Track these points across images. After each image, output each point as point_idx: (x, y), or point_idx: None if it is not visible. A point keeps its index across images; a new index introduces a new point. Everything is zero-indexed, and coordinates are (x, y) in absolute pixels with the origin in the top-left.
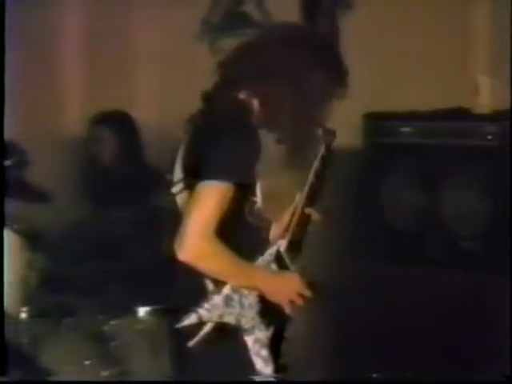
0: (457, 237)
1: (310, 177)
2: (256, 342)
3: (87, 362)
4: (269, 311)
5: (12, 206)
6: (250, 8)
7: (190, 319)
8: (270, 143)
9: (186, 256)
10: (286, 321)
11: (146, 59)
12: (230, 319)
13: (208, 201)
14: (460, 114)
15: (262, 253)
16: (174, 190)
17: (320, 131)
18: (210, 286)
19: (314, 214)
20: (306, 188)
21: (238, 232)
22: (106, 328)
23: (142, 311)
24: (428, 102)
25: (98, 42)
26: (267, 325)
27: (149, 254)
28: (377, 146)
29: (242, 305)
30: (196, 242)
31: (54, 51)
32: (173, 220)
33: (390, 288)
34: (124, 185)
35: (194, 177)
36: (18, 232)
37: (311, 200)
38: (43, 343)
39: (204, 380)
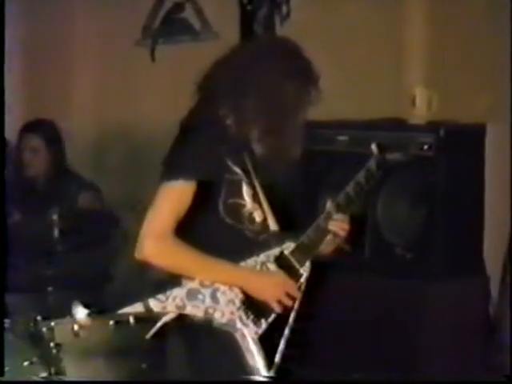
0: (391, 244)
1: (350, 187)
2: (244, 338)
3: (26, 363)
4: (255, 308)
5: None
6: (189, 15)
7: (135, 307)
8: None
9: (142, 255)
10: (279, 318)
11: (84, 64)
12: (195, 312)
13: (164, 201)
14: (396, 124)
15: (251, 253)
16: None
17: (373, 146)
18: (168, 278)
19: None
20: (342, 196)
21: (214, 231)
22: (44, 329)
23: (80, 313)
24: (365, 112)
25: (39, 48)
26: (254, 321)
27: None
28: (313, 153)
29: (215, 299)
30: (151, 241)
31: None
32: None
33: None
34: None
35: None
36: None
37: (342, 209)
38: None
39: (203, 380)
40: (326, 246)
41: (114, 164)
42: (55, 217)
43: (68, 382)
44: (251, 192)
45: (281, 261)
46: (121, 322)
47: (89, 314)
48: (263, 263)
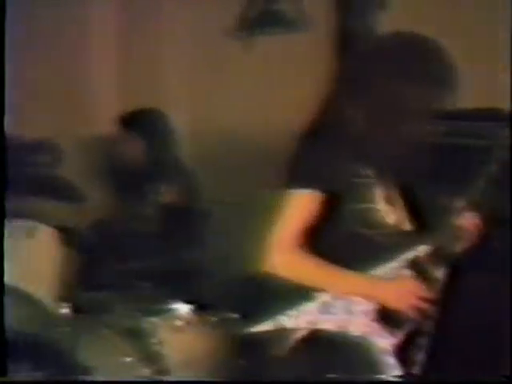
0: None
1: (481, 181)
2: (380, 350)
3: (128, 359)
4: (391, 318)
5: (45, 203)
6: (285, 6)
7: (266, 325)
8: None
9: (270, 267)
10: (417, 327)
11: (177, 57)
12: (328, 325)
13: (291, 211)
14: (494, 115)
15: (383, 260)
16: None
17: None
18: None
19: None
20: (474, 191)
21: (342, 239)
22: (144, 325)
23: (182, 308)
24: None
25: (129, 40)
26: (390, 332)
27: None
28: None
29: (348, 312)
30: (280, 253)
31: (84, 50)
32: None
33: None
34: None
35: None
36: (55, 228)
37: (477, 206)
38: (82, 340)
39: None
40: (460, 246)
41: (205, 157)
42: (152, 210)
43: (68, 382)
44: (384, 194)
45: (415, 265)
46: (221, 316)
47: (189, 309)
48: (396, 269)
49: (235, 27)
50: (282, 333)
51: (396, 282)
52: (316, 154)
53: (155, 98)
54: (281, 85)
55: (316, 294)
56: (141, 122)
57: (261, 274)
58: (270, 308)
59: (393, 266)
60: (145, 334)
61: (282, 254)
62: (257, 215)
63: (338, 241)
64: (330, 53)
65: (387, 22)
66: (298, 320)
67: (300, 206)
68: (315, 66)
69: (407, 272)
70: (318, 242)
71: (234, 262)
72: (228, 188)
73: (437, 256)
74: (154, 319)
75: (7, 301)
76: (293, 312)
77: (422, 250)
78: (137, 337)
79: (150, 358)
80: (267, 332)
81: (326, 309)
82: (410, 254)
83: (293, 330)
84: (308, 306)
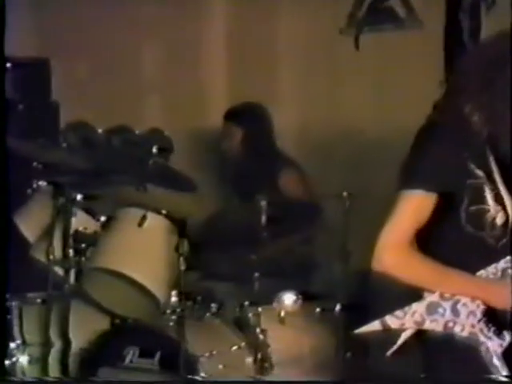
0: None
1: None
2: (487, 351)
3: (234, 348)
4: (498, 319)
5: (156, 192)
6: (394, 3)
7: (373, 326)
8: None
9: (380, 267)
10: None
11: (289, 54)
12: (434, 326)
13: (404, 211)
14: None
15: (491, 261)
16: None
17: None
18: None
19: None
20: None
21: (453, 240)
22: (250, 315)
23: (287, 299)
24: None
25: (242, 39)
26: (497, 333)
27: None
28: None
29: (455, 312)
30: (391, 253)
31: (196, 46)
32: None
33: None
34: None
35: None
36: (166, 217)
37: None
38: (190, 327)
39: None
40: None
41: (317, 154)
42: (263, 203)
43: (68, 382)
44: (494, 194)
45: None
46: (327, 310)
47: (295, 301)
48: (504, 270)
49: (345, 26)
50: (389, 333)
51: (503, 283)
52: (432, 154)
53: (266, 95)
54: (392, 82)
55: (424, 295)
56: (240, 115)
57: (371, 272)
58: (378, 307)
59: (501, 267)
60: (251, 323)
61: (393, 254)
62: (369, 212)
63: (450, 241)
64: (440, 51)
65: (494, 22)
66: (404, 320)
67: (413, 206)
68: (426, 64)
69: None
70: (429, 243)
71: (343, 258)
72: (340, 184)
73: None
74: (260, 309)
75: (117, 287)
76: (400, 312)
77: None
78: (243, 326)
79: (255, 347)
80: (374, 332)
81: (433, 309)
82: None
83: (400, 331)
84: (415, 307)
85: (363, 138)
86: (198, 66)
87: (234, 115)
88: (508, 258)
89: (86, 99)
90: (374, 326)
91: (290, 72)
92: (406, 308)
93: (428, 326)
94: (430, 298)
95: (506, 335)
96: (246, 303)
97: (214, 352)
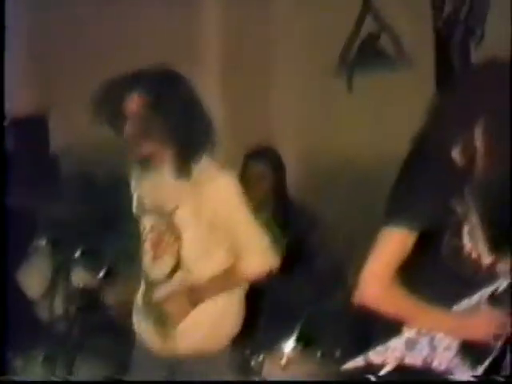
0: None
1: None
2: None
3: None
4: (472, 351)
5: None
6: (384, 44)
7: (356, 362)
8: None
9: (361, 300)
10: (498, 358)
11: (285, 92)
12: (413, 361)
13: (386, 246)
14: None
15: (465, 295)
16: None
17: None
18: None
19: None
20: None
21: (430, 275)
22: (252, 363)
23: (288, 346)
24: None
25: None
26: (472, 365)
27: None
28: None
29: (432, 347)
30: (373, 287)
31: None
32: None
33: None
34: None
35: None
36: None
37: None
38: None
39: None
40: None
41: (316, 188)
42: None
43: (68, 382)
44: (469, 229)
45: (494, 299)
46: (327, 355)
47: (295, 347)
48: (476, 304)
49: (338, 66)
50: (370, 369)
51: (477, 317)
52: (418, 191)
53: (267, 133)
54: (386, 118)
55: (403, 329)
56: (267, 158)
57: (355, 307)
58: (362, 344)
59: (474, 301)
60: (252, 371)
61: (376, 288)
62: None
63: (427, 276)
64: (432, 87)
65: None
66: (386, 355)
67: (396, 242)
68: (418, 101)
69: (486, 307)
70: (408, 277)
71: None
72: (340, 218)
73: None
74: (261, 357)
75: None
76: (382, 348)
77: (500, 283)
78: (245, 373)
79: None
80: (358, 368)
81: (411, 346)
82: (489, 289)
83: (381, 366)
84: (395, 343)
85: (359, 171)
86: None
87: (262, 156)
88: (481, 292)
89: (85, 150)
90: (358, 362)
91: (287, 109)
92: (387, 344)
93: (408, 361)
94: (408, 333)
95: (480, 367)
96: (248, 351)
97: None
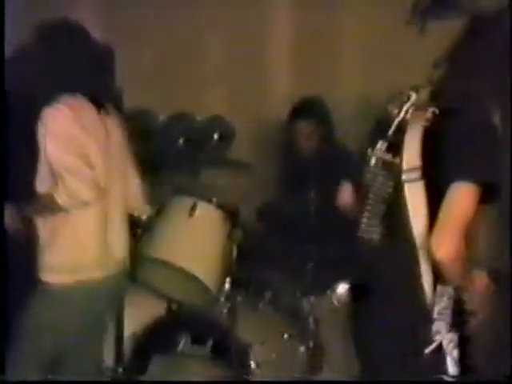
0: None
1: None
2: (450, 343)
3: (286, 336)
4: (462, 313)
5: (215, 179)
6: None
7: (436, 344)
8: None
9: (444, 256)
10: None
11: (352, 46)
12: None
13: (464, 202)
14: None
15: None
16: (406, 176)
17: None
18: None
19: None
20: None
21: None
22: (303, 304)
23: (340, 288)
24: None
25: (305, 29)
26: (459, 326)
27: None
28: None
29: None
30: (455, 243)
31: (259, 39)
32: None
33: None
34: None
35: (432, 168)
36: (217, 205)
37: None
38: (243, 315)
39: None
40: None
41: None
42: (313, 194)
43: (67, 382)
44: None
45: None
46: None
47: (348, 291)
48: None
49: (411, 14)
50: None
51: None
52: (484, 150)
53: (329, 87)
54: None
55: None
56: (311, 109)
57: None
58: None
59: None
60: (303, 312)
61: (456, 245)
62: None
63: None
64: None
65: None
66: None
67: (470, 198)
68: None
69: None
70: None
71: None
72: None
73: None
74: (312, 299)
75: (171, 275)
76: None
77: None
78: (295, 315)
79: (306, 335)
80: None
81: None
82: None
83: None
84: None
85: None
86: (261, 54)
87: (304, 113)
88: None
89: (148, 86)
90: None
91: (352, 64)
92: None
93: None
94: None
95: (461, 329)
96: (299, 293)
97: (268, 340)
